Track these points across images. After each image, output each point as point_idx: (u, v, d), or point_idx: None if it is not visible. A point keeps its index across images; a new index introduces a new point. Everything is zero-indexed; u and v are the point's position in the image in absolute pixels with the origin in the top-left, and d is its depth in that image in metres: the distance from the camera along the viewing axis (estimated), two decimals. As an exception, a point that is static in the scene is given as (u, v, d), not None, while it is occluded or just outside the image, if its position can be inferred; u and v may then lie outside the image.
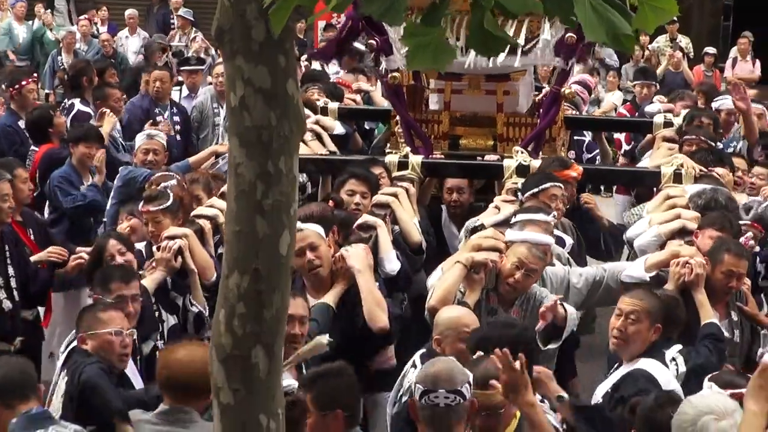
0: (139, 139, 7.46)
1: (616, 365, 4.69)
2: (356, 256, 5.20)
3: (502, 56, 6.13)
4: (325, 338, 3.99)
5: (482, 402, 3.79)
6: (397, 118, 7.24)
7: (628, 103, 10.22)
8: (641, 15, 2.11)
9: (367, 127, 8.97)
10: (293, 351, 4.25)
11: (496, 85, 6.93)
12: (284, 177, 2.52)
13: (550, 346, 4.95)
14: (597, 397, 4.58)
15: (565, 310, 5.01)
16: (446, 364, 3.86)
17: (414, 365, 4.68)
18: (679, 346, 4.75)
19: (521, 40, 6.21)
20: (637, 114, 9.80)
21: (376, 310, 5.04)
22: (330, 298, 5.08)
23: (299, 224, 5.10)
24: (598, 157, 8.36)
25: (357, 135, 8.45)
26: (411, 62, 2.28)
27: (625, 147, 9.11)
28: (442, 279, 5.12)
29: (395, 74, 6.94)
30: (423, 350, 4.71)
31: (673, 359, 4.69)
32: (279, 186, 2.50)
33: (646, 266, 5.41)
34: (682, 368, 4.64)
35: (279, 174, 2.50)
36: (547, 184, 6.02)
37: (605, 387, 4.59)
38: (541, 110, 7.20)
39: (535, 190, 6.00)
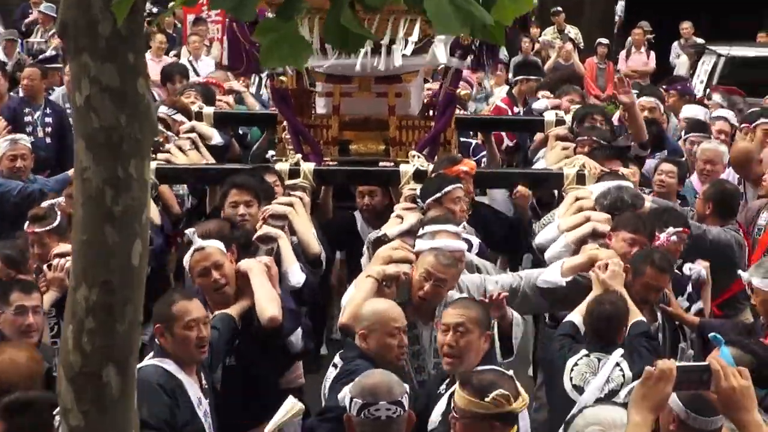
0: (2, 146, 7.39)
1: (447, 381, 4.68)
2: (249, 261, 5.35)
3: (395, 57, 6.29)
4: (298, 403, 4.07)
5: (476, 412, 3.80)
6: (284, 123, 7.30)
7: (505, 97, 10.40)
8: (500, 6, 2.24)
9: (241, 132, 9.02)
10: (203, 352, 4.47)
11: (387, 87, 7.06)
12: (135, 182, 2.56)
13: (505, 361, 5.08)
14: None
15: (512, 314, 5.19)
16: (383, 376, 4.00)
17: (335, 365, 4.80)
18: (621, 350, 4.95)
19: (414, 38, 6.34)
20: (523, 111, 10.02)
21: (267, 303, 5.13)
22: (233, 311, 5.17)
23: (201, 242, 5.18)
24: (483, 161, 8.53)
25: (234, 142, 8.50)
26: (266, 58, 2.36)
27: (507, 142, 9.28)
28: (354, 295, 5.19)
29: (282, 77, 7.03)
30: (342, 350, 4.82)
31: (617, 364, 4.89)
32: (130, 192, 2.55)
33: (563, 270, 5.59)
34: (628, 373, 4.85)
35: (129, 179, 2.55)
36: (449, 187, 6.15)
37: None
38: (431, 112, 7.35)
39: (438, 195, 6.13)
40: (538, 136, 8.44)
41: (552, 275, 5.60)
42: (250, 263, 5.34)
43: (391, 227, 6.04)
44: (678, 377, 3.06)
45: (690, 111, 9.56)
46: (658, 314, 5.62)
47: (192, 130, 7.71)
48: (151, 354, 4.66)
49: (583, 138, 7.45)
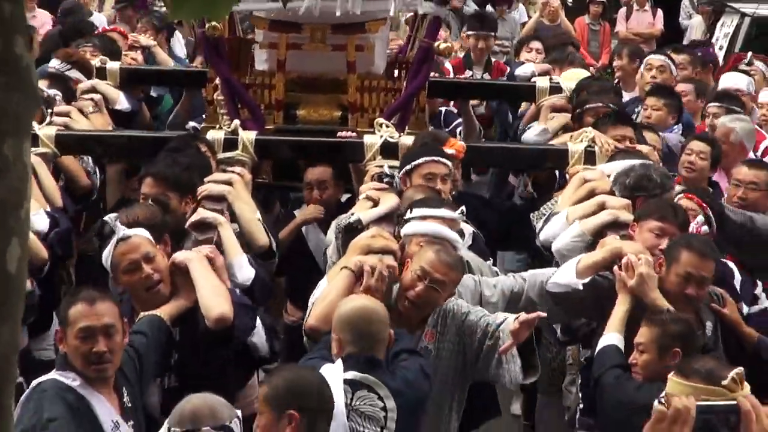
0: None
1: None
2: (185, 252, 5.27)
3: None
4: None
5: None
6: (217, 81, 7.19)
7: (456, 57, 10.30)
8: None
9: (154, 95, 8.92)
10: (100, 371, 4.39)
11: (346, 38, 6.94)
12: (12, 166, 2.45)
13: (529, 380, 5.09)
14: None
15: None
16: (206, 399, 4.00)
17: None
18: None
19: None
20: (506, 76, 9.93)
21: (213, 299, 5.02)
22: (163, 311, 5.04)
23: (126, 231, 5.06)
24: (458, 131, 8.49)
25: (144, 107, 8.38)
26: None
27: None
28: (325, 291, 5.12)
29: (214, 24, 6.91)
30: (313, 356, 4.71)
31: None
32: (5, 179, 2.44)
33: (578, 270, 5.43)
34: None
35: (5, 162, 2.43)
36: (420, 159, 6.05)
37: None
38: (396, 72, 7.27)
39: (408, 167, 6.06)
40: (530, 107, 8.39)
41: (565, 276, 5.45)
42: (187, 254, 5.25)
43: (363, 211, 5.94)
44: (698, 419, 2.99)
45: (730, 80, 9.24)
46: (707, 322, 5.38)
47: (93, 89, 7.57)
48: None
49: (590, 105, 7.41)
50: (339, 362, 4.56)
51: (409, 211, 5.54)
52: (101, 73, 7.93)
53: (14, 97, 2.47)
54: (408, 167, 6.07)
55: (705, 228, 5.92)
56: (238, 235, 5.86)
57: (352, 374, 4.53)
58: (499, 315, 5.12)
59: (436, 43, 7.24)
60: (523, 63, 9.69)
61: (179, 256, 5.24)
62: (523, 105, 8.70)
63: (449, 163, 6.09)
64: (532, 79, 8.59)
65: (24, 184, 2.47)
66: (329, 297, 5.00)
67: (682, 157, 7.35)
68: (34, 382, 4.55)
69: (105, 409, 4.46)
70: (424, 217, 5.40)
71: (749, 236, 6.51)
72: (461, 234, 5.69)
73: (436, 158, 6.07)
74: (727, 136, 7.76)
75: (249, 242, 5.91)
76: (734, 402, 3.04)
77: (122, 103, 7.74)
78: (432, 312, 5.10)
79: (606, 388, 5.00)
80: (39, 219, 6.10)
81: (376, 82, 7.18)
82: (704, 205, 6.14)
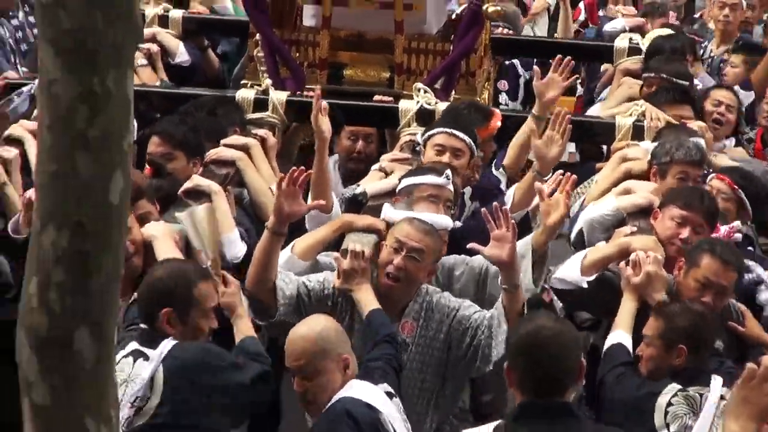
0: None
1: None
2: (153, 225, 5.32)
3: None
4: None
5: None
6: (258, 37, 7.27)
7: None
8: None
9: (219, 51, 8.94)
10: None
11: (394, -6, 7.02)
12: (114, 98, 2.62)
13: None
14: None
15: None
16: None
17: None
18: (720, 379, 4.81)
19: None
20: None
21: None
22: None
23: None
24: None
25: (211, 57, 8.41)
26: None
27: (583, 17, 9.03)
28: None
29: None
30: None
31: (722, 398, 4.72)
32: (108, 111, 2.61)
33: (584, 266, 5.41)
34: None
35: (108, 95, 2.61)
36: (434, 130, 6.04)
37: None
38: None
39: (425, 137, 6.05)
40: (608, 69, 8.32)
41: (570, 272, 5.45)
42: (153, 228, 5.30)
43: (372, 183, 6.02)
44: None
45: None
46: (717, 341, 5.23)
47: (153, 38, 7.61)
48: None
49: (651, 74, 7.30)
50: (357, 382, 4.57)
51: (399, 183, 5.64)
52: (163, 21, 7.96)
53: (115, 30, 2.63)
54: (424, 137, 6.09)
55: (738, 236, 5.76)
56: (245, 205, 5.98)
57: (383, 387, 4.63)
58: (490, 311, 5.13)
59: (485, 6, 7.22)
60: (615, 17, 9.48)
61: (147, 229, 5.31)
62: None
63: (467, 139, 6.02)
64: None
65: (126, 115, 2.66)
66: (254, 257, 5.09)
67: (707, 107, 7.24)
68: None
69: None
70: (411, 198, 5.46)
71: None
72: (455, 197, 5.69)
73: (450, 131, 6.01)
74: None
75: (256, 212, 6.00)
76: None
77: (182, 55, 7.81)
78: (412, 300, 5.15)
79: (607, 386, 5.03)
80: None
81: (427, 44, 7.24)
82: (735, 186, 6.06)
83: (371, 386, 4.53)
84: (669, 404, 4.79)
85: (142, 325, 4.76)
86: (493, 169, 6.39)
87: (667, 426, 4.77)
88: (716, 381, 4.81)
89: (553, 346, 3.79)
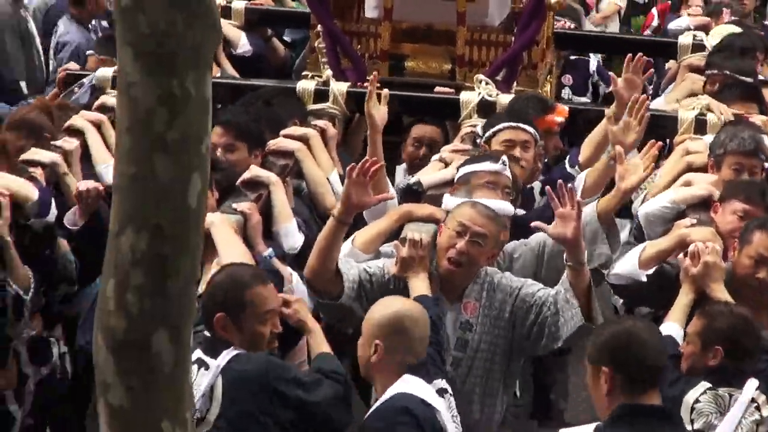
0: None
1: None
2: (212, 215, 5.30)
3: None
4: None
5: None
6: (319, 28, 7.30)
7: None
8: None
9: (287, 39, 8.99)
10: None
11: (456, -15, 7.04)
12: (193, 101, 2.64)
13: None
14: None
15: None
16: None
17: None
18: (755, 382, 4.76)
19: None
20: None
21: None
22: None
23: None
24: (602, 86, 8.47)
25: (276, 46, 8.44)
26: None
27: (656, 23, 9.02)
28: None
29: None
30: None
31: (753, 401, 4.69)
32: (187, 113, 2.63)
33: (642, 260, 5.38)
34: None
35: (187, 97, 2.63)
36: (501, 125, 6.03)
37: None
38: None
39: (489, 132, 6.06)
40: (672, 66, 8.31)
41: (627, 266, 5.42)
42: (211, 216, 5.27)
43: (429, 174, 6.02)
44: None
45: None
46: None
47: None
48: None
49: (714, 71, 7.26)
50: (412, 378, 4.55)
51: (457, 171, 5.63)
52: (226, 11, 7.99)
53: (194, 32, 2.65)
54: (489, 132, 6.08)
55: None
56: (304, 196, 5.99)
57: (437, 384, 4.60)
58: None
59: None
60: (681, 16, 9.51)
61: (206, 218, 5.27)
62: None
63: (532, 130, 6.04)
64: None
65: (205, 117, 2.68)
66: (316, 245, 5.08)
67: None
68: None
69: None
70: (470, 186, 5.45)
71: None
72: (514, 184, 5.64)
73: (516, 125, 6.02)
74: None
75: (315, 203, 6.03)
76: None
77: (243, 46, 7.85)
78: (471, 282, 5.14)
79: None
80: (110, 170, 6.25)
81: (489, 35, 7.25)
82: None
83: (423, 383, 4.50)
84: (696, 401, 4.77)
85: (206, 333, 4.75)
86: (568, 166, 6.37)
87: (692, 422, 4.75)
88: (751, 383, 4.78)
89: (650, 345, 3.99)
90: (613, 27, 10.87)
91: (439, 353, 4.82)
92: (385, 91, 6.06)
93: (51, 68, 8.39)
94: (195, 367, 4.51)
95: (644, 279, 5.36)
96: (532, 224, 5.14)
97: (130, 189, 2.63)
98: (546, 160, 6.40)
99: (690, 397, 4.76)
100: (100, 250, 2.74)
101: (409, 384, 4.47)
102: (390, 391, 4.46)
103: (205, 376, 4.52)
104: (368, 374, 4.61)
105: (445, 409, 4.52)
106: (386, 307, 4.60)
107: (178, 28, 2.62)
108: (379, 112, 5.97)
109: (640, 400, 3.95)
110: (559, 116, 6.44)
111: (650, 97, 8.32)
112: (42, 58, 8.79)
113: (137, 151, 2.63)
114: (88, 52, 7.54)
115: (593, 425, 3.95)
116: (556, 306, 4.99)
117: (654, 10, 9.92)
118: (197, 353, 4.55)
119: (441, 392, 4.57)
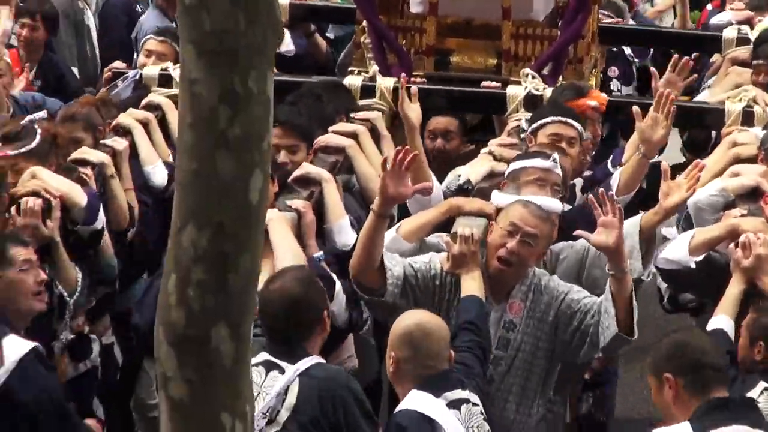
0: None
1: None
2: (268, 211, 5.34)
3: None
4: None
5: None
6: (365, 24, 7.33)
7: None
8: None
9: (331, 36, 9.03)
10: None
11: (502, -20, 7.05)
12: (255, 99, 2.68)
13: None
14: None
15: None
16: None
17: None
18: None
19: None
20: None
21: (285, 263, 5.16)
22: None
23: None
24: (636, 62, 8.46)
25: (319, 43, 8.48)
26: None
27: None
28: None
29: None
30: None
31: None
32: (249, 111, 2.66)
33: (692, 246, 5.38)
34: None
35: (249, 95, 2.67)
36: (547, 119, 6.06)
37: None
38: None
39: (534, 125, 6.09)
40: (716, 59, 8.27)
41: (676, 252, 5.42)
42: (270, 214, 5.27)
43: (478, 169, 6.03)
44: None
45: None
46: None
47: None
48: None
49: (761, 61, 7.25)
50: (418, 393, 4.59)
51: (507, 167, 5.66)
52: None
53: (256, 30, 2.69)
54: (534, 126, 6.10)
55: None
56: (354, 192, 6.03)
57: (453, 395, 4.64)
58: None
59: None
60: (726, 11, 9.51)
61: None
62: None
63: (576, 124, 6.07)
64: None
65: (267, 115, 2.72)
66: (359, 240, 5.11)
67: None
68: None
69: None
70: (519, 183, 5.47)
71: None
72: (564, 182, 5.67)
73: (562, 119, 6.06)
74: None
75: (366, 199, 6.01)
76: None
77: (287, 45, 7.85)
78: (519, 282, 5.16)
79: None
80: (158, 171, 6.36)
81: (534, 30, 7.26)
82: None
83: (431, 398, 4.53)
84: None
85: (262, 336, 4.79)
86: (610, 166, 6.39)
87: None
88: None
89: (706, 346, 4.24)
90: (668, 21, 10.86)
91: (479, 358, 4.87)
92: (414, 88, 6.20)
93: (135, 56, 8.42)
94: (262, 368, 4.61)
95: (693, 265, 5.36)
96: (575, 233, 5.16)
97: (192, 185, 2.67)
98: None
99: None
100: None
101: (414, 400, 4.55)
102: (398, 407, 4.57)
103: (278, 379, 4.59)
104: (393, 384, 4.72)
105: (456, 422, 4.55)
106: (403, 319, 4.68)
107: (241, 26, 2.65)
108: (414, 111, 6.11)
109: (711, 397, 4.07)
110: (592, 101, 6.46)
111: (694, 91, 8.39)
112: (96, 51, 8.84)
113: (200, 148, 2.66)
114: (145, 38, 7.49)
115: (682, 423, 4.06)
116: (599, 316, 5.01)
117: (709, 6, 9.88)
118: (263, 355, 4.63)
119: (456, 404, 4.60)
